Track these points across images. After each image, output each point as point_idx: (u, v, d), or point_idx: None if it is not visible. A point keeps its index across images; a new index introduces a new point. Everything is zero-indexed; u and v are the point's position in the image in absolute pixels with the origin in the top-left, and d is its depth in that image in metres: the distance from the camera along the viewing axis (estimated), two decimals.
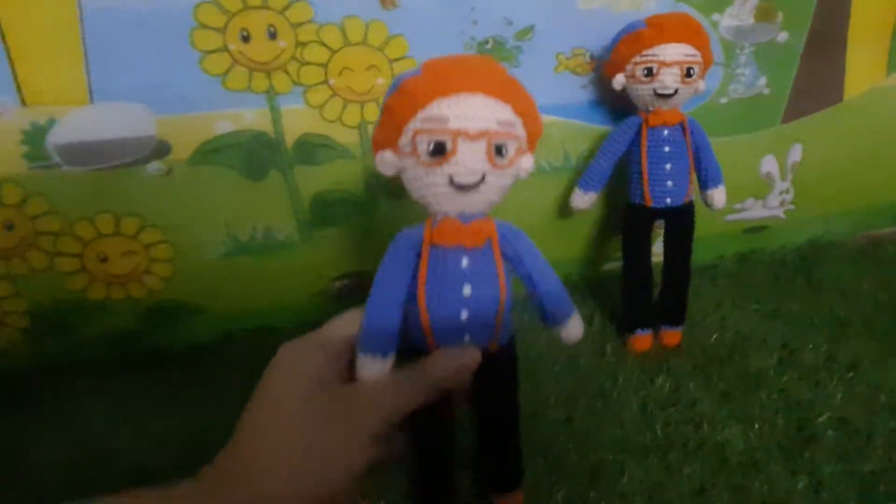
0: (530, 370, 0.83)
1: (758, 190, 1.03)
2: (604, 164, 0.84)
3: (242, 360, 0.84)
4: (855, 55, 0.97)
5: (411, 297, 0.47)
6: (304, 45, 0.74)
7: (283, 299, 0.87)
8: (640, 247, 0.85)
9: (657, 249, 0.88)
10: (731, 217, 1.04)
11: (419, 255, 0.47)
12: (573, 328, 0.53)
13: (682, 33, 0.76)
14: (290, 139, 0.78)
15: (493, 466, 0.58)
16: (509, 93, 0.46)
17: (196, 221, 0.78)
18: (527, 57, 0.82)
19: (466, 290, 0.47)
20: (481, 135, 0.44)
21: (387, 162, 0.46)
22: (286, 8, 0.72)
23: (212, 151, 0.75)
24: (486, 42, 0.80)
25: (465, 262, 0.47)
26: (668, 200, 0.81)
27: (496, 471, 0.59)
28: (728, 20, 0.89)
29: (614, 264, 0.98)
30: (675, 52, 0.76)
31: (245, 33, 0.72)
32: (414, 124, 0.44)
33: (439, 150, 0.44)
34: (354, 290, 0.89)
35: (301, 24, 0.73)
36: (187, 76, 0.71)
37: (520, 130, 0.47)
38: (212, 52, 0.72)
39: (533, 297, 0.53)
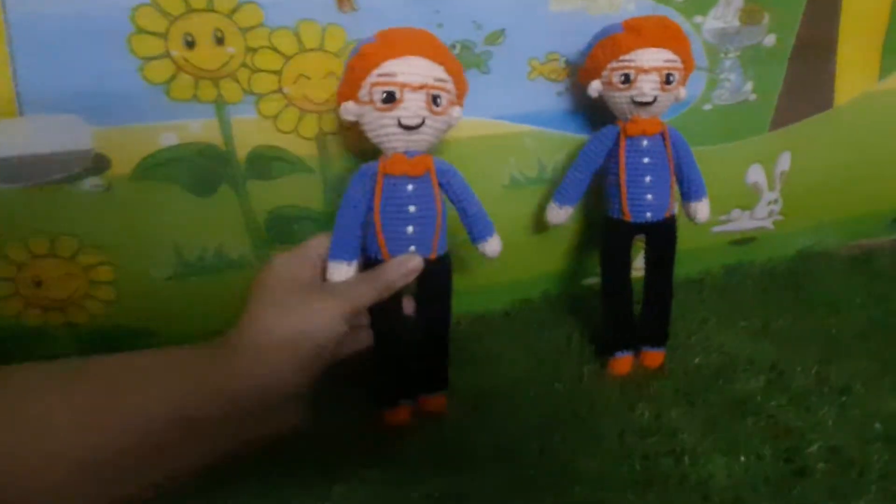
0: (505, 395, 0.78)
1: (745, 201, 0.98)
2: (580, 176, 0.78)
3: None
4: (845, 59, 0.93)
5: (370, 216, 0.63)
6: (254, 50, 0.69)
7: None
8: (619, 264, 0.80)
9: (640, 263, 0.83)
10: (716, 229, 0.99)
11: (375, 183, 0.62)
12: (493, 245, 0.71)
13: (661, 37, 0.71)
14: (241, 152, 0.72)
15: (422, 368, 0.71)
16: (443, 56, 0.63)
17: (140, 241, 0.72)
18: (497, 62, 0.77)
19: (412, 209, 0.63)
20: (421, 87, 0.60)
21: (349, 110, 0.62)
22: (234, 11, 0.67)
23: (156, 166, 0.70)
24: (454, 47, 0.75)
25: (410, 187, 0.63)
26: (649, 215, 0.76)
27: (424, 373, 0.72)
28: (712, 22, 0.84)
29: (595, 279, 0.92)
30: (653, 57, 0.71)
31: (189, 38, 0.66)
32: (370, 79, 0.60)
33: (390, 98, 0.60)
34: None
35: (251, 28, 0.68)
36: (126, 85, 0.66)
37: (451, 87, 0.63)
38: (153, 58, 0.66)
39: (463, 219, 0.69)
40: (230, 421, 0.45)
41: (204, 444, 0.45)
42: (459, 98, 0.66)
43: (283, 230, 0.76)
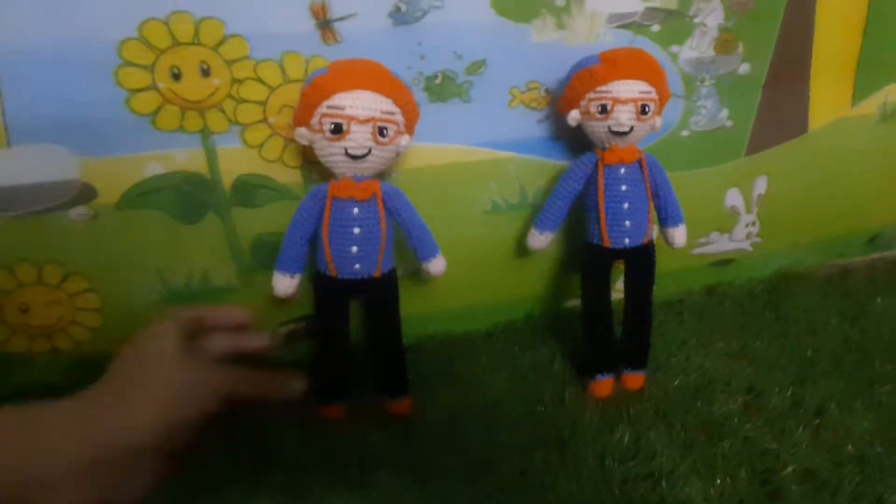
0: (485, 416, 0.79)
1: (723, 223, 1.00)
2: (560, 203, 0.80)
3: None
4: (819, 86, 0.95)
5: (319, 235, 0.68)
6: (240, 82, 0.70)
7: None
8: (598, 289, 0.82)
9: (621, 286, 0.84)
10: (696, 251, 1.01)
11: (325, 205, 0.68)
12: (436, 265, 0.76)
13: (636, 69, 0.73)
14: (227, 180, 0.74)
15: (383, 376, 0.78)
16: (392, 90, 0.66)
17: (125, 268, 0.73)
18: (478, 91, 0.79)
19: (356, 230, 0.68)
20: (368, 120, 0.64)
21: (302, 135, 0.66)
22: (219, 44, 0.68)
23: (141, 195, 0.71)
24: (436, 77, 0.77)
25: (355, 210, 0.68)
26: (627, 241, 0.78)
27: (385, 380, 0.79)
28: (687, 52, 0.86)
29: (578, 301, 0.94)
30: (629, 88, 0.73)
31: (175, 71, 0.68)
32: (321, 109, 0.64)
33: (337, 130, 0.64)
34: (304, 335, 0.85)
35: (236, 60, 0.69)
36: (113, 116, 0.67)
37: (399, 118, 0.67)
38: (139, 90, 0.67)
39: (408, 240, 0.74)
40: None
41: None
42: (409, 127, 0.70)
43: (267, 256, 0.77)
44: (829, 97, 0.97)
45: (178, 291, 0.76)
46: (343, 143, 0.65)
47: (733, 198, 0.98)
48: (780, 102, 0.94)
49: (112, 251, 0.72)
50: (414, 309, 0.89)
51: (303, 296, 0.79)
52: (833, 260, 1.13)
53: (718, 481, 0.70)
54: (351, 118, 0.64)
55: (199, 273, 0.76)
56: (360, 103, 0.64)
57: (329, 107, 0.64)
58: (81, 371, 0.77)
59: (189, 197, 0.72)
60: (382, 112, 0.65)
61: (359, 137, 0.64)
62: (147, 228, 0.72)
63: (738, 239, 1.02)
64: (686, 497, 0.68)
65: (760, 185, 0.99)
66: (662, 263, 0.98)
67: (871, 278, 1.10)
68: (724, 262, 1.04)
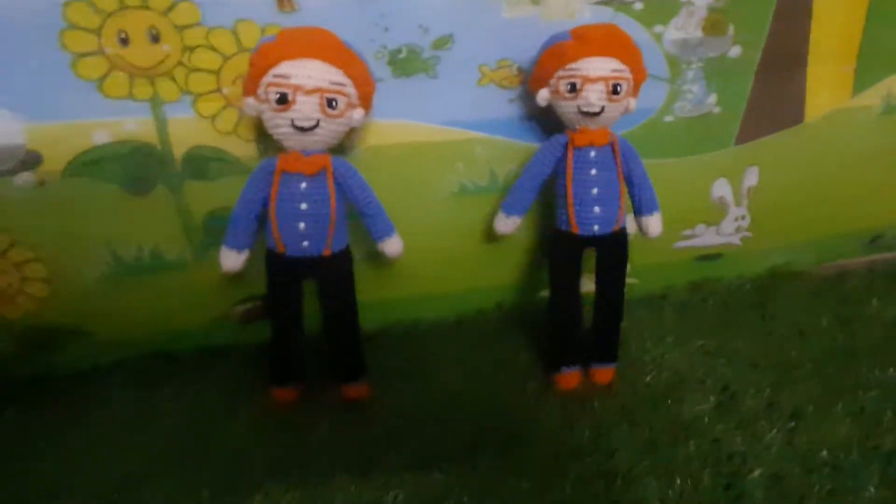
0: (441, 409, 0.76)
1: (710, 215, 0.95)
2: (527, 185, 0.77)
3: (135, 387, 0.79)
4: (817, 74, 0.90)
5: (266, 210, 0.66)
6: (191, 49, 0.68)
7: (181, 324, 0.80)
8: (567, 278, 0.78)
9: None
10: (681, 244, 0.97)
11: (273, 179, 0.65)
12: (392, 245, 0.73)
13: (608, 46, 0.69)
14: (178, 152, 0.71)
15: (337, 359, 0.76)
16: (342, 60, 0.63)
17: (73, 239, 0.72)
18: (445, 68, 0.76)
19: (303, 206, 0.66)
20: (315, 90, 0.61)
21: (251, 106, 0.64)
22: (169, 9, 0.66)
23: (89, 163, 0.69)
24: (400, 51, 0.74)
25: (303, 185, 0.65)
26: (596, 227, 0.74)
27: (340, 364, 0.77)
28: (673, 32, 0.81)
29: None
30: (599, 66, 0.69)
31: (123, 35, 0.66)
32: (267, 79, 0.61)
33: (283, 100, 0.61)
34: (261, 314, 0.83)
35: (187, 26, 0.67)
36: (58, 81, 0.65)
37: (350, 90, 0.64)
38: (85, 54, 0.65)
39: (362, 218, 0.72)
40: None
41: None
42: (363, 100, 0.67)
43: (221, 232, 0.74)
44: (827, 86, 0.91)
45: (129, 265, 0.74)
46: (289, 114, 0.62)
47: (721, 188, 0.93)
48: (773, 90, 0.89)
49: (59, 220, 0.71)
50: (379, 294, 0.87)
51: (259, 274, 0.77)
52: (832, 260, 1.08)
53: (678, 482, 0.66)
54: (297, 87, 0.61)
55: (149, 247, 0.75)
56: (306, 72, 0.61)
57: (275, 75, 0.61)
58: (32, 340, 0.77)
59: (139, 168, 0.71)
60: (331, 83, 0.62)
61: (305, 108, 0.62)
62: (95, 198, 0.71)
63: (727, 233, 0.98)
64: (640, 498, 0.64)
65: (751, 177, 0.94)
66: (645, 256, 0.95)
67: (870, 280, 1.04)
68: (711, 256, 0.99)
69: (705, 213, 0.95)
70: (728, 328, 0.91)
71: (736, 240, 0.99)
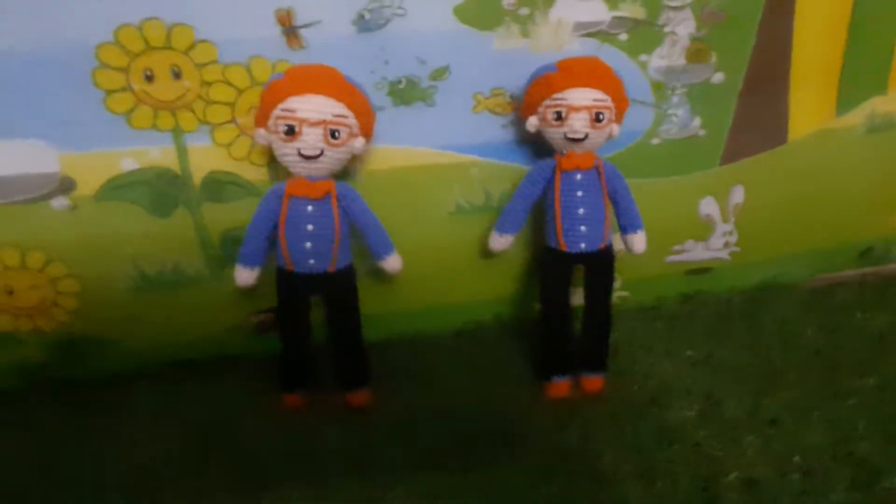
0: (439, 412, 0.81)
1: (698, 232, 1.00)
2: (519, 206, 0.82)
3: (157, 392, 0.86)
4: (799, 97, 0.95)
5: (276, 231, 0.73)
6: (209, 84, 0.75)
7: (199, 333, 0.87)
8: (556, 291, 0.83)
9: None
10: (671, 258, 1.01)
11: (282, 203, 0.72)
12: (391, 262, 0.80)
13: (591, 78, 0.75)
14: (197, 177, 0.78)
15: (341, 368, 0.82)
16: (344, 94, 0.70)
17: (102, 256, 0.78)
18: (442, 96, 0.81)
19: (310, 227, 0.72)
20: (319, 123, 0.68)
21: (261, 136, 0.71)
22: (190, 48, 0.73)
23: (117, 188, 0.76)
24: (400, 82, 0.80)
25: (310, 208, 0.72)
26: (583, 245, 0.80)
27: (344, 371, 0.82)
28: (657, 61, 0.87)
29: None
30: (583, 96, 0.74)
31: (149, 73, 0.72)
32: (276, 112, 0.68)
33: (290, 131, 0.68)
34: (273, 326, 0.89)
35: (205, 64, 0.74)
36: (91, 114, 0.72)
37: (352, 121, 0.70)
38: (115, 91, 0.72)
39: (363, 238, 0.78)
40: None
41: None
42: (364, 130, 0.73)
43: (235, 249, 0.80)
44: (810, 108, 0.96)
45: (152, 279, 0.81)
46: (296, 144, 0.69)
47: (708, 206, 0.98)
48: (756, 112, 0.93)
49: (90, 239, 0.77)
50: (383, 307, 0.92)
51: (271, 289, 0.83)
52: (822, 273, 1.11)
53: (658, 484, 0.71)
54: (303, 120, 0.67)
55: (171, 263, 0.81)
56: (311, 107, 0.68)
57: (283, 109, 0.68)
58: (64, 349, 0.84)
59: (162, 191, 0.77)
60: (334, 115, 0.69)
61: (310, 139, 0.68)
62: (123, 219, 0.77)
63: (715, 248, 1.02)
64: (622, 497, 0.69)
65: (737, 195, 0.98)
66: (637, 270, 1.00)
67: (859, 293, 1.07)
68: (701, 270, 1.04)
69: (694, 230, 1.00)
70: (716, 339, 0.95)
71: (725, 255, 1.03)
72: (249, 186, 0.80)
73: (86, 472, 0.73)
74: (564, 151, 0.78)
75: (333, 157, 0.71)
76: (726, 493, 0.70)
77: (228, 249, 0.81)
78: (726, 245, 1.02)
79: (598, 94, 0.74)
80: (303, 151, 0.69)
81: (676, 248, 1.00)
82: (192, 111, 0.75)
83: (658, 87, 0.88)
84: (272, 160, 0.79)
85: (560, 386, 0.84)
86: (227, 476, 0.72)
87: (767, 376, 0.87)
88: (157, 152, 0.76)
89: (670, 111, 0.90)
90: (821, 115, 0.97)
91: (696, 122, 0.92)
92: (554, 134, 0.77)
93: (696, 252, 1.02)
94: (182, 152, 0.76)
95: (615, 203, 0.81)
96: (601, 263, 0.82)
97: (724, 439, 0.77)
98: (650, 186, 0.92)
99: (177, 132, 0.76)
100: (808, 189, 1.01)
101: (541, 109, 0.77)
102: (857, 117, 0.98)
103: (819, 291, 1.08)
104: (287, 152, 0.70)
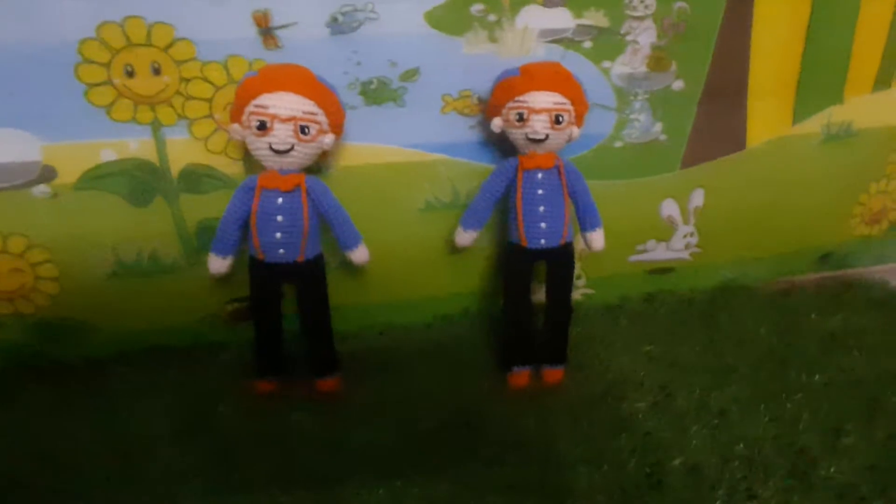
0: (403, 403, 0.84)
1: (660, 232, 1.04)
2: (483, 203, 0.86)
3: (134, 376, 0.89)
4: (757, 105, 0.99)
5: (248, 221, 0.76)
6: (188, 80, 0.78)
7: (177, 320, 0.90)
8: (518, 285, 0.87)
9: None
10: (634, 258, 1.05)
11: (254, 195, 0.75)
12: (359, 254, 0.83)
13: (552, 82, 0.79)
14: (175, 169, 0.81)
15: (312, 355, 0.85)
16: (315, 93, 0.73)
17: (82, 243, 0.82)
18: (412, 97, 0.85)
19: (279, 218, 0.75)
20: (290, 119, 0.71)
21: (236, 131, 0.74)
22: (169, 46, 0.76)
23: (97, 178, 0.79)
24: (371, 83, 0.83)
25: (280, 200, 0.75)
26: (543, 241, 0.83)
27: (315, 359, 0.85)
28: (619, 68, 0.91)
29: None
30: (544, 99, 0.78)
31: (129, 68, 0.76)
32: (249, 108, 0.71)
33: (262, 127, 0.71)
34: (248, 315, 0.92)
35: (184, 61, 0.77)
36: (72, 107, 0.76)
37: (322, 118, 0.74)
38: (97, 85, 0.76)
39: (332, 230, 0.81)
40: None
41: None
42: (333, 127, 0.76)
43: (211, 240, 0.84)
44: (767, 116, 1.00)
45: (130, 267, 0.84)
46: (267, 139, 0.72)
47: (669, 208, 1.02)
48: (715, 119, 0.98)
49: (70, 227, 0.80)
50: (355, 299, 0.96)
51: (246, 279, 0.86)
52: (782, 276, 1.16)
53: (605, 468, 0.74)
54: (274, 116, 0.71)
55: (148, 251, 0.84)
56: (282, 103, 0.71)
57: (256, 105, 0.71)
58: (43, 333, 0.87)
59: (140, 182, 0.81)
60: (304, 112, 0.72)
61: (281, 134, 0.72)
62: (102, 208, 0.81)
63: (677, 248, 1.06)
64: (570, 480, 0.73)
65: (697, 198, 1.03)
66: (601, 268, 1.04)
67: (816, 296, 1.11)
68: (663, 270, 1.08)
69: (655, 231, 1.04)
70: (674, 336, 0.99)
71: (686, 255, 1.07)
72: (225, 179, 0.83)
73: (64, 450, 0.76)
74: (526, 151, 0.82)
75: (303, 152, 0.74)
76: (669, 476, 0.74)
77: (204, 239, 0.84)
78: (687, 246, 1.06)
79: (558, 98, 0.78)
80: (274, 146, 0.72)
81: (639, 247, 1.04)
82: (171, 106, 0.79)
83: (621, 93, 0.92)
84: (247, 154, 0.83)
85: (521, 376, 0.88)
86: (201, 458, 0.75)
87: (720, 372, 0.91)
88: (136, 144, 0.79)
89: (632, 116, 0.94)
90: (778, 123, 1.02)
91: (658, 126, 0.96)
92: (516, 134, 0.81)
93: (658, 252, 1.06)
94: (161, 145, 0.80)
95: (575, 202, 0.85)
96: (561, 259, 0.85)
97: (672, 429, 0.81)
98: (613, 188, 0.96)
99: (156, 125, 0.79)
100: (767, 194, 1.05)
101: (504, 111, 0.81)
102: (814, 126, 1.03)
103: (777, 293, 1.12)
104: (259, 146, 0.73)
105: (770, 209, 1.07)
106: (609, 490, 0.72)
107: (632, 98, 0.93)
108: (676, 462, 0.75)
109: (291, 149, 0.73)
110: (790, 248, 1.14)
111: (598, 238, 0.86)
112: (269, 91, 0.71)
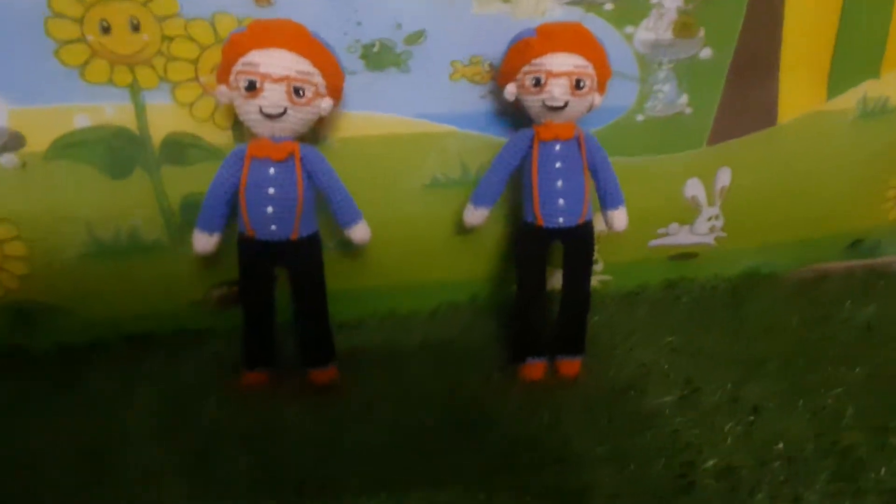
0: (407, 395, 0.77)
1: (683, 215, 0.96)
2: (495, 178, 0.79)
3: (111, 366, 0.82)
4: (789, 78, 0.91)
5: (237, 195, 0.69)
6: (170, 39, 0.71)
7: (158, 305, 0.83)
8: (532, 269, 0.80)
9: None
10: (655, 242, 0.98)
11: (243, 164, 0.68)
12: (359, 232, 0.75)
13: (572, 43, 0.71)
14: (156, 137, 0.74)
15: (305, 344, 0.78)
16: (310, 51, 0.66)
17: (53, 219, 0.74)
18: (418, 63, 0.78)
19: (271, 190, 0.68)
20: (283, 79, 0.64)
21: (223, 93, 0.67)
22: (149, 0, 0.69)
23: (69, 146, 0.72)
24: (373, 45, 0.76)
25: (272, 170, 0.68)
26: (561, 220, 0.76)
27: (309, 348, 0.78)
28: (643, 33, 0.83)
29: None
30: (563, 62, 0.71)
31: (105, 24, 0.69)
32: (237, 67, 0.64)
33: (251, 87, 0.64)
34: (236, 300, 0.85)
35: (166, 17, 0.70)
36: (42, 66, 0.68)
37: (318, 79, 0.66)
38: (69, 42, 0.68)
39: (329, 205, 0.73)
40: None
41: None
42: (332, 90, 0.69)
43: (196, 215, 0.77)
44: (800, 90, 0.93)
45: (106, 245, 0.77)
46: (257, 101, 0.65)
47: (694, 188, 0.95)
48: (745, 92, 0.90)
49: (40, 200, 0.73)
50: (354, 284, 0.89)
51: (235, 260, 0.79)
52: (810, 263, 1.08)
53: (631, 468, 0.67)
54: (265, 76, 0.64)
55: (127, 228, 0.77)
56: (274, 61, 0.64)
57: (244, 63, 0.64)
58: (11, 316, 0.79)
59: (117, 152, 0.73)
60: (298, 72, 0.65)
61: (273, 96, 0.64)
62: (75, 180, 0.73)
63: (701, 232, 0.99)
64: (591, 482, 0.65)
65: (724, 177, 0.95)
66: (620, 254, 0.97)
67: (847, 284, 1.04)
68: (685, 255, 1.00)
69: (678, 212, 0.96)
70: (698, 326, 0.92)
71: (710, 240, 1.00)
72: (212, 149, 0.76)
73: (35, 445, 0.69)
74: (543, 121, 0.75)
75: (297, 117, 0.67)
76: (704, 479, 0.66)
77: (189, 215, 0.77)
78: (712, 230, 0.99)
79: (579, 60, 0.71)
80: (265, 109, 0.65)
81: (660, 231, 0.97)
82: (152, 67, 0.71)
83: (644, 61, 0.85)
84: (237, 122, 0.75)
85: (534, 368, 0.81)
86: (182, 458, 0.68)
87: (750, 365, 0.84)
88: (112, 109, 0.72)
89: (656, 87, 0.87)
90: (812, 97, 0.94)
91: (683, 99, 0.88)
92: (532, 102, 0.73)
93: (680, 236, 0.98)
94: (140, 110, 0.73)
95: (595, 177, 0.78)
96: (580, 239, 0.78)
97: (702, 426, 0.73)
98: (634, 165, 0.89)
99: (134, 88, 0.72)
100: (797, 174, 0.98)
101: (519, 76, 0.73)
102: (849, 101, 0.95)
103: (805, 281, 1.05)
104: (249, 110, 0.66)
105: (799, 190, 0.99)
106: (636, 494, 0.65)
107: (655, 67, 0.86)
108: (710, 463, 0.68)
109: (284, 112, 0.65)
110: (819, 234, 1.06)
111: (620, 217, 0.79)
112: (260, 47, 0.64)
